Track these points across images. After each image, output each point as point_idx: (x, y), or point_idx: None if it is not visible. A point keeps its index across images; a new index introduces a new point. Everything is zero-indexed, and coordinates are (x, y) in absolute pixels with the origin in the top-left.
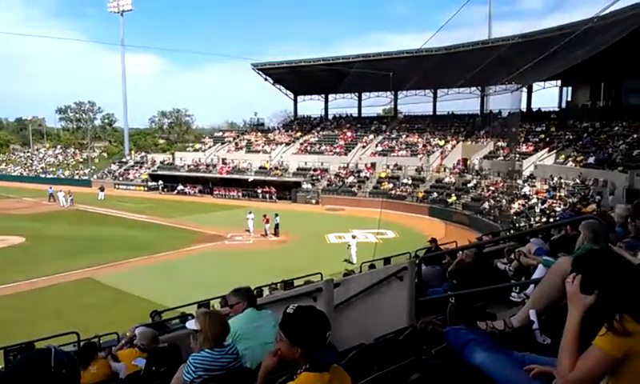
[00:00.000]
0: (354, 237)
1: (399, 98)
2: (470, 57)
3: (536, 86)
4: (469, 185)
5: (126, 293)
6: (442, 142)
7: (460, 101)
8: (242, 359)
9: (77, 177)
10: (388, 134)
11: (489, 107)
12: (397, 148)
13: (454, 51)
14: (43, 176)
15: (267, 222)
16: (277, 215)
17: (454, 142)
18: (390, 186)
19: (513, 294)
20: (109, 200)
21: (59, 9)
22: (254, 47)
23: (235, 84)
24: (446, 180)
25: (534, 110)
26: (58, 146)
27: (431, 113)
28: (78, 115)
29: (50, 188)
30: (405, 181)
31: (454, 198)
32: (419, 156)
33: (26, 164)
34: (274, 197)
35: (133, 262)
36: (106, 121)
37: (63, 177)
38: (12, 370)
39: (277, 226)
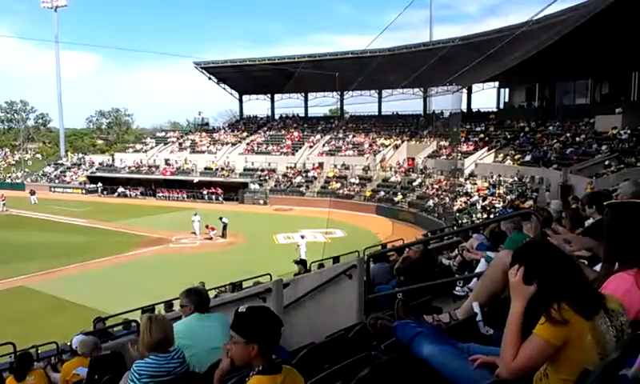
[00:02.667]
0: (302, 237)
1: (345, 98)
2: (412, 58)
3: (475, 87)
4: (414, 183)
5: (64, 300)
6: (387, 142)
7: (404, 101)
8: (188, 366)
9: (9, 180)
10: (335, 133)
11: (431, 108)
12: (344, 148)
13: (397, 52)
14: None
15: (212, 229)
16: (221, 218)
17: (399, 141)
18: (338, 185)
19: (457, 288)
20: (43, 204)
21: None
22: (196, 45)
23: (177, 83)
24: (392, 179)
25: (474, 110)
26: None
27: (376, 113)
28: (9, 115)
29: None
30: (352, 180)
31: (400, 196)
32: (366, 156)
33: None
34: (220, 198)
35: (71, 268)
36: (40, 121)
37: None
38: None
39: (224, 227)
